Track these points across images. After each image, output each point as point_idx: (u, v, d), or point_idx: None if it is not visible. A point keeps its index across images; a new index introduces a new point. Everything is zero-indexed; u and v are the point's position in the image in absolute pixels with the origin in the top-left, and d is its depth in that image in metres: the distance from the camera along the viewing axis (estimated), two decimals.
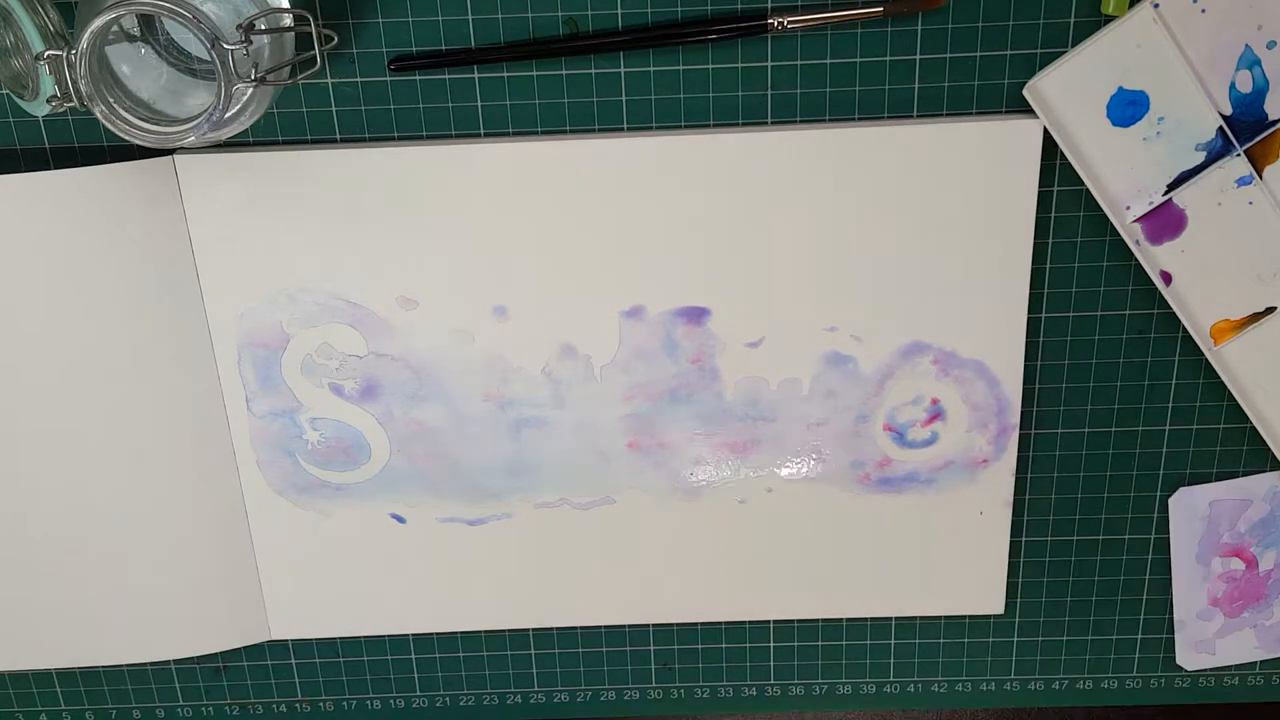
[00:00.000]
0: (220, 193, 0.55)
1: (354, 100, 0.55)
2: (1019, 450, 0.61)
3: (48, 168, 0.56)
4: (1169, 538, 0.63)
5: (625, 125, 0.55)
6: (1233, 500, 0.61)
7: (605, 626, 0.65)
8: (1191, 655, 0.65)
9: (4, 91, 0.52)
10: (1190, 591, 0.63)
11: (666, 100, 0.55)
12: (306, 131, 0.55)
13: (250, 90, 0.47)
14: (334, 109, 0.55)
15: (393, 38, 0.54)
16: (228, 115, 0.47)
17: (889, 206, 0.56)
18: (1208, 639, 0.65)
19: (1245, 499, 0.61)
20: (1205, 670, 0.66)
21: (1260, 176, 0.54)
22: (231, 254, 0.57)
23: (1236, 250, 0.56)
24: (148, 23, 0.50)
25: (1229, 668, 0.66)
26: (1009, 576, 0.64)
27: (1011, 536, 0.63)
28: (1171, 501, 0.62)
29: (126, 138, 0.48)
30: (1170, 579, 0.64)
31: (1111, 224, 0.56)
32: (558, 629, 0.66)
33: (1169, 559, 0.63)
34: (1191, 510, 0.61)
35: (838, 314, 0.58)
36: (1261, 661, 0.66)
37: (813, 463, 0.61)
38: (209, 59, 0.46)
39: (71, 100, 0.47)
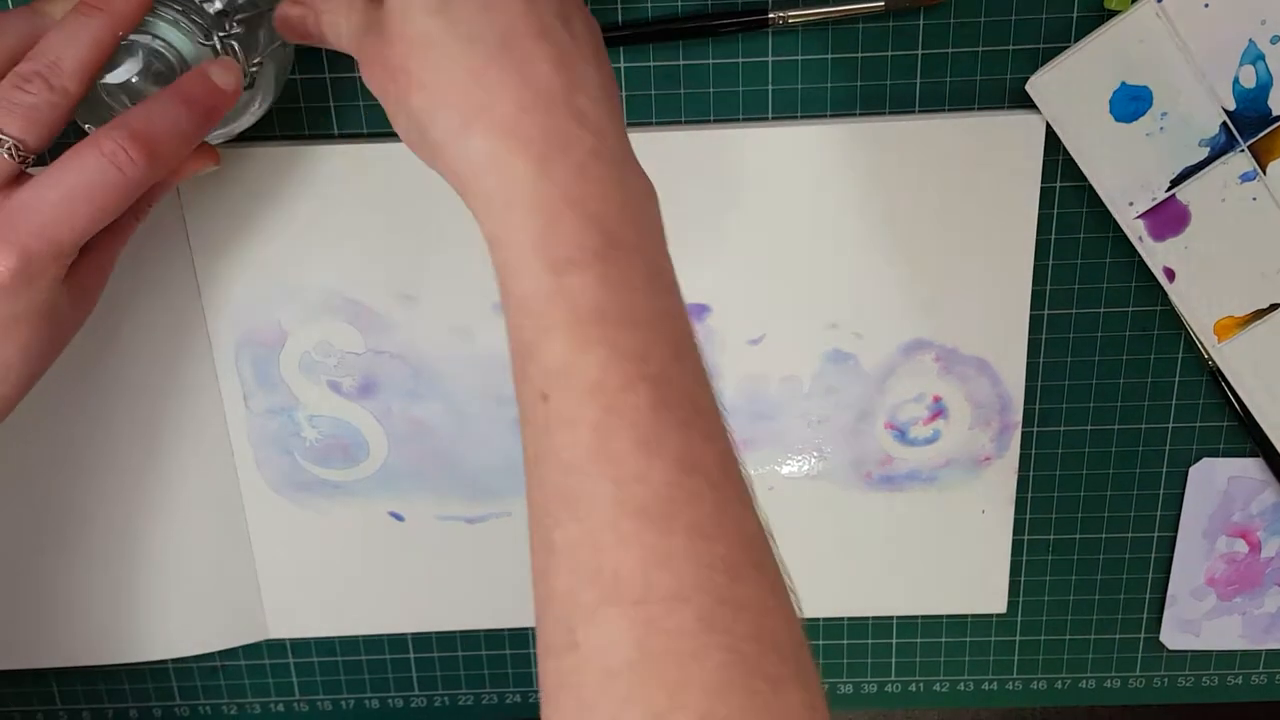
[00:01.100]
0: (218, 189, 0.55)
1: (353, 96, 0.54)
2: (1021, 448, 0.60)
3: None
4: (1176, 523, 0.62)
5: (625, 122, 0.55)
6: (1251, 480, 0.61)
7: None
8: (1176, 634, 0.64)
9: None
10: (1190, 565, 0.63)
11: (667, 96, 0.54)
12: (304, 127, 0.55)
13: (254, 80, 0.47)
14: (332, 105, 0.55)
15: None
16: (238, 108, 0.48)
17: (890, 202, 0.55)
18: (1195, 619, 0.64)
19: (1264, 480, 0.61)
20: (1189, 650, 0.65)
21: (1264, 172, 0.54)
22: (229, 250, 0.56)
23: (1240, 246, 0.55)
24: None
25: (1234, 670, 0.66)
26: (1011, 575, 0.63)
27: (1014, 535, 0.62)
28: (1192, 471, 0.61)
29: None
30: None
31: (1114, 220, 0.55)
32: None
33: (1172, 558, 0.63)
34: (1209, 483, 0.61)
35: (839, 311, 0.57)
36: (1265, 660, 0.66)
37: (814, 461, 0.61)
38: (208, 52, 0.46)
39: None
